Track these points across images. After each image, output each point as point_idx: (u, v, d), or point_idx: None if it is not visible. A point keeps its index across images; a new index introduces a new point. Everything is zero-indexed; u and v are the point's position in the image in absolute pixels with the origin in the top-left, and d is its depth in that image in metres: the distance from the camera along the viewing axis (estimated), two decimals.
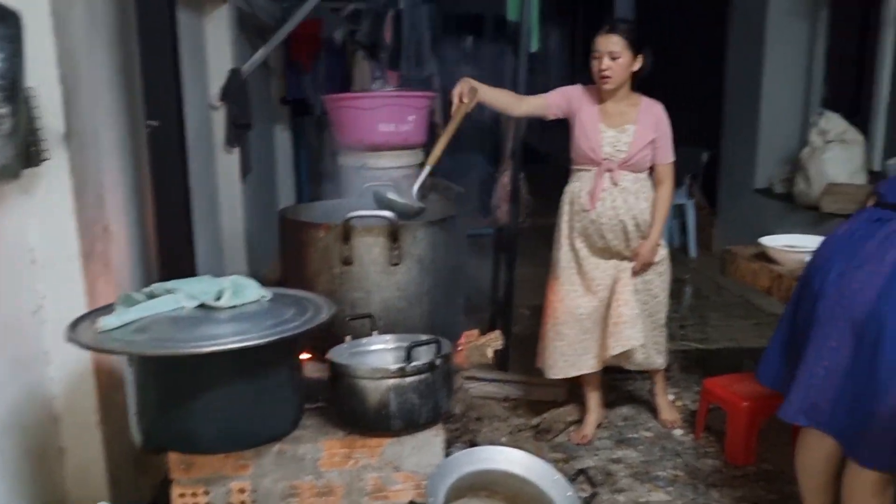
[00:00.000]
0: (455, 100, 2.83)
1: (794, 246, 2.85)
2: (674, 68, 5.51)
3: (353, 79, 5.84)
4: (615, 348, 2.98)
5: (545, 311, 3.22)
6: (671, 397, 3.54)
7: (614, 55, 2.84)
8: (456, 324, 2.77)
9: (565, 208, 3.07)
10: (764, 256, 2.94)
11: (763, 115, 5.57)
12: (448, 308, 2.67)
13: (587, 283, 3.07)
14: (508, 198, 3.84)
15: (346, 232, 2.44)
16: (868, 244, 2.02)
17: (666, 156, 3.00)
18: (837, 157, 4.62)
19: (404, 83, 5.15)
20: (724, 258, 3.20)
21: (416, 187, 2.69)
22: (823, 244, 2.21)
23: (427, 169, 2.75)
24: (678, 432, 3.26)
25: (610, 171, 2.95)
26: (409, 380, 2.01)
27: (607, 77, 2.87)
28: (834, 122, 4.68)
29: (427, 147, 3.72)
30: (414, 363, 2.02)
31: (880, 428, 1.93)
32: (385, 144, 3.72)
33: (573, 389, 3.64)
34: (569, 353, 3.12)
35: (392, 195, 2.63)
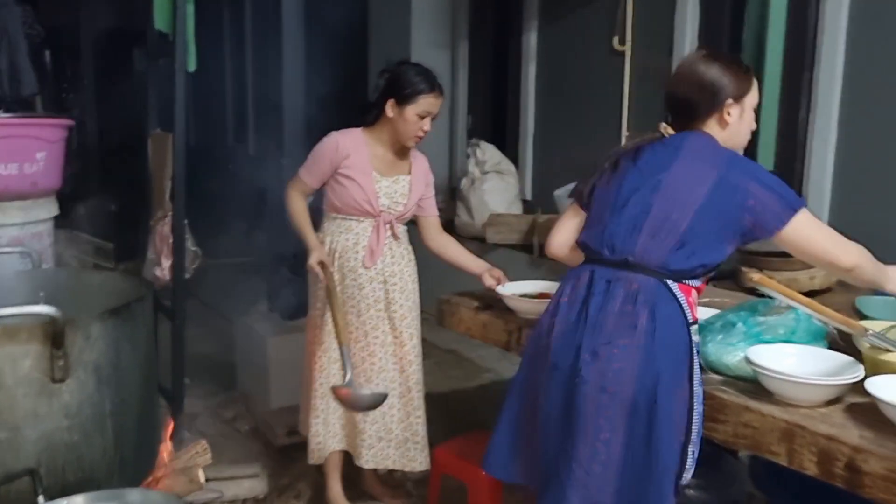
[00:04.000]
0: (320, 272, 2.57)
1: (528, 293, 2.62)
2: (319, 103, 5.17)
3: None
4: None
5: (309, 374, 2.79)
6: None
7: (434, 117, 2.63)
8: (153, 444, 2.00)
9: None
10: (491, 306, 2.68)
11: None
12: (142, 427, 1.90)
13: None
14: (170, 252, 3.08)
15: None
16: (607, 314, 1.79)
17: (435, 207, 2.88)
18: (495, 188, 4.68)
19: None
20: (442, 308, 2.87)
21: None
22: (550, 317, 1.91)
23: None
24: None
25: (389, 223, 2.68)
26: None
27: (421, 139, 2.65)
28: (490, 153, 4.74)
29: (62, 193, 2.79)
30: None
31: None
32: (3, 192, 2.67)
33: (275, 478, 3.04)
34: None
35: None
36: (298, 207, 2.69)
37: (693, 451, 1.77)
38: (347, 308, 2.67)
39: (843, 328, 1.83)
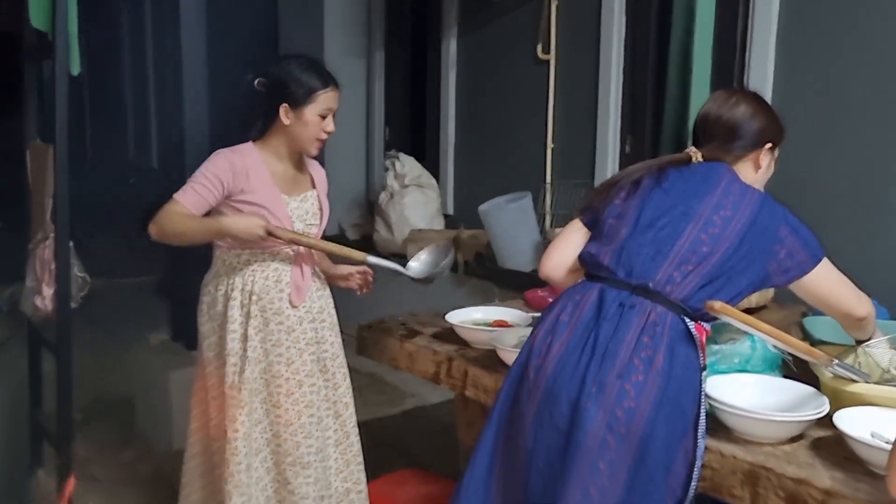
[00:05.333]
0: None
1: (480, 321, 2.41)
2: (226, 113, 4.87)
3: None
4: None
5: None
6: None
7: (335, 113, 2.30)
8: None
9: (234, 311, 2.27)
10: (418, 333, 2.46)
11: (328, 158, 5.22)
12: (10, 490, 1.59)
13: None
14: (53, 279, 2.73)
15: None
16: (619, 343, 1.58)
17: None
18: (416, 202, 4.46)
19: None
20: (364, 336, 2.62)
21: None
22: (546, 335, 1.68)
23: None
24: None
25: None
26: None
27: (324, 142, 2.32)
28: (409, 165, 4.52)
29: None
30: None
31: None
32: None
33: None
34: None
35: None
36: (182, 215, 2.18)
37: None
38: (272, 359, 2.27)
39: (807, 358, 1.68)
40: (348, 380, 2.45)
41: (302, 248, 2.30)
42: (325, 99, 2.25)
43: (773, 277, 1.68)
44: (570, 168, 3.90)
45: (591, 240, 1.80)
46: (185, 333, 3.43)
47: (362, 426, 2.49)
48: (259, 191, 2.23)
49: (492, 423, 1.72)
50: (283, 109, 2.24)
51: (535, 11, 3.98)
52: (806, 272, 1.68)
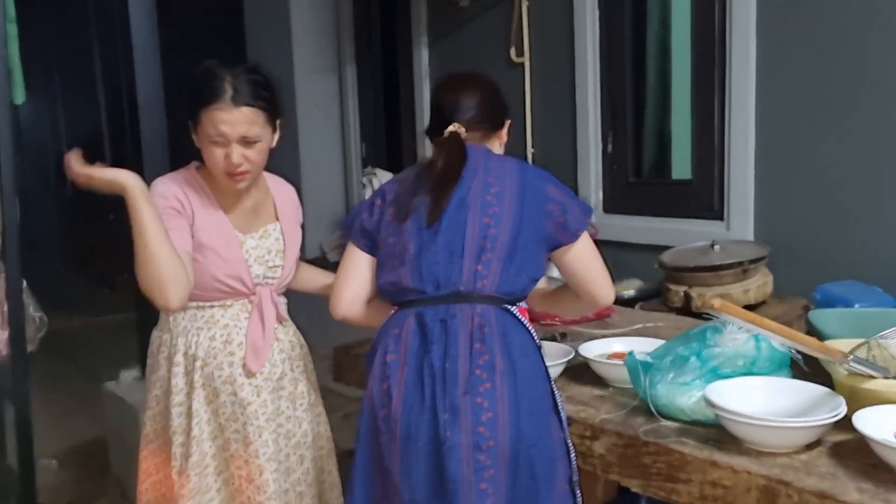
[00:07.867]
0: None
1: None
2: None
3: None
4: None
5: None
6: None
7: (250, 140, 1.72)
8: None
9: (178, 379, 1.83)
10: None
11: (304, 178, 5.07)
12: None
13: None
14: (5, 321, 2.55)
15: None
16: (455, 359, 1.50)
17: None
18: None
19: None
20: (339, 361, 2.45)
21: None
22: (379, 383, 1.58)
23: None
24: None
25: (269, 300, 1.89)
26: None
27: (241, 175, 1.76)
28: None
29: None
30: None
31: None
32: None
33: None
34: None
35: None
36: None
37: (577, 480, 1.60)
38: (228, 436, 1.84)
39: (818, 355, 1.53)
40: (306, 464, 1.96)
41: (261, 298, 1.86)
42: (211, 119, 1.68)
43: (554, 236, 1.63)
44: (552, 172, 3.76)
45: (380, 267, 1.68)
46: None
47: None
48: (207, 228, 1.78)
49: (356, 486, 1.60)
50: (191, 126, 1.77)
51: (507, 14, 3.85)
52: (584, 227, 1.64)
